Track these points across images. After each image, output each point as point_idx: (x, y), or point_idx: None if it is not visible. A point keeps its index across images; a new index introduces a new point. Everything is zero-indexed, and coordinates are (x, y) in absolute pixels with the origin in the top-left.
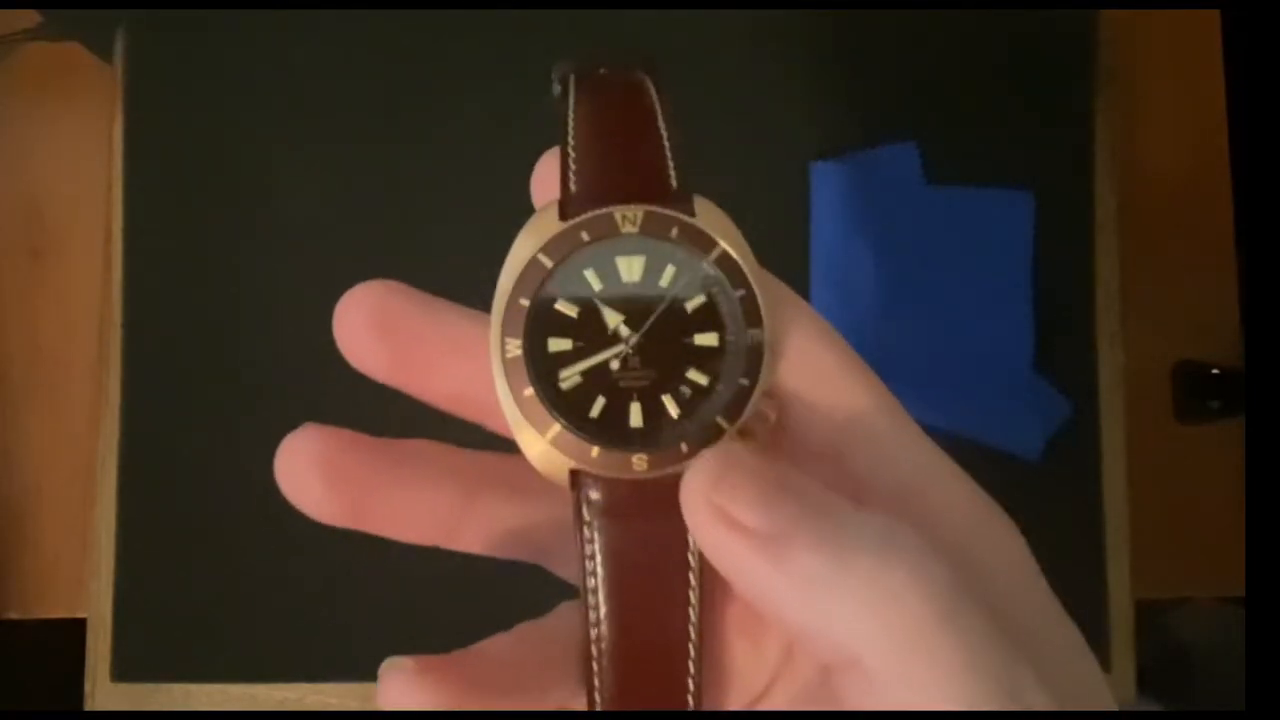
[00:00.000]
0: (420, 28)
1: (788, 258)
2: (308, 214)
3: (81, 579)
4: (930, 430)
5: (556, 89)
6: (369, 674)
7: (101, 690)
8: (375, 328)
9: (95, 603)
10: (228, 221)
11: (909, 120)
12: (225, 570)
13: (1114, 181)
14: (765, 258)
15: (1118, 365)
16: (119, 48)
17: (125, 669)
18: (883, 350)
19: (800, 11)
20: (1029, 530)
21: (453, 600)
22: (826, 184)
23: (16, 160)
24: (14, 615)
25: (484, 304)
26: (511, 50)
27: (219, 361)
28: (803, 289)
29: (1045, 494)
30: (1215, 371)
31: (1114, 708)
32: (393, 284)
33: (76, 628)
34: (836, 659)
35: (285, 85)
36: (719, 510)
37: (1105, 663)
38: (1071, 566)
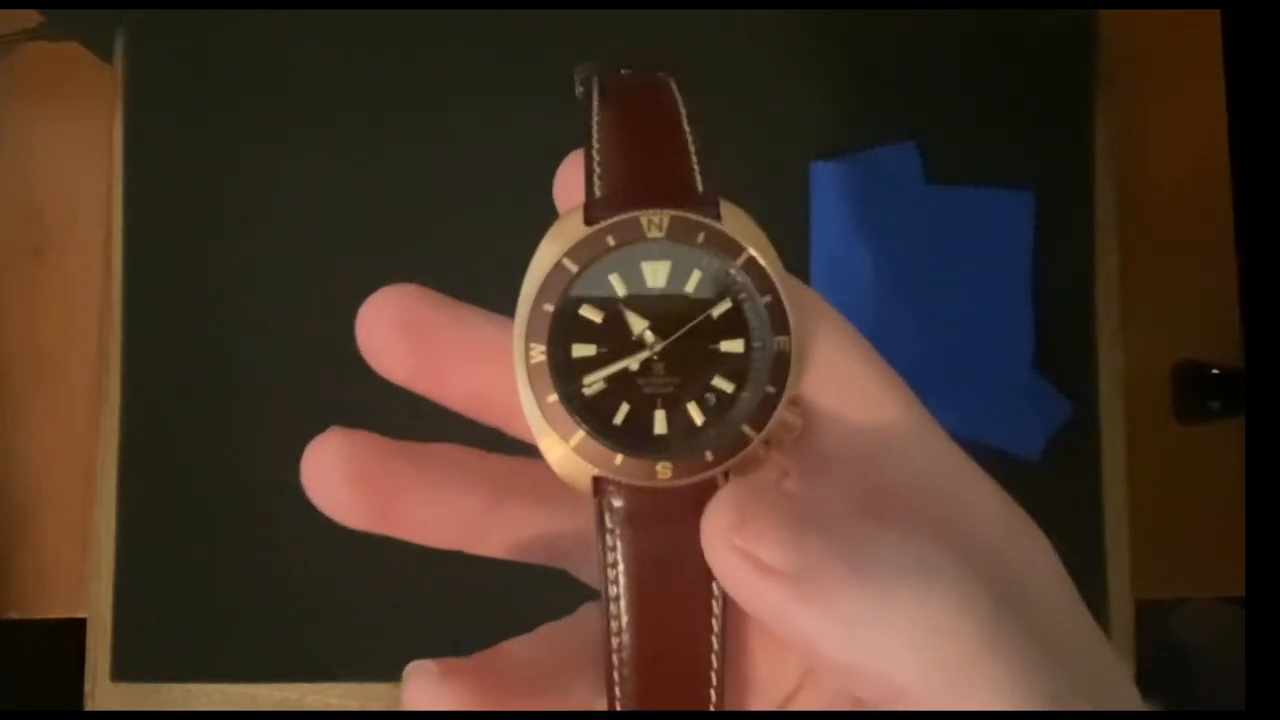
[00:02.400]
0: (421, 28)
1: (788, 258)
2: (307, 214)
3: (81, 579)
4: None
5: (580, 91)
6: (369, 674)
7: (101, 690)
8: (400, 332)
9: (95, 603)
10: (228, 222)
11: (909, 120)
12: (225, 570)
13: (1114, 181)
14: None
15: (1118, 365)
16: (119, 48)
17: (125, 669)
18: (882, 350)
19: (801, 11)
20: None
21: (451, 598)
22: (826, 184)
23: (16, 160)
24: (14, 615)
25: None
26: (512, 50)
27: (219, 361)
28: None
29: (1045, 494)
30: (1215, 371)
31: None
32: (416, 288)
33: (76, 628)
34: (881, 692)
35: (285, 85)
36: (744, 554)
37: None
38: (1071, 566)
